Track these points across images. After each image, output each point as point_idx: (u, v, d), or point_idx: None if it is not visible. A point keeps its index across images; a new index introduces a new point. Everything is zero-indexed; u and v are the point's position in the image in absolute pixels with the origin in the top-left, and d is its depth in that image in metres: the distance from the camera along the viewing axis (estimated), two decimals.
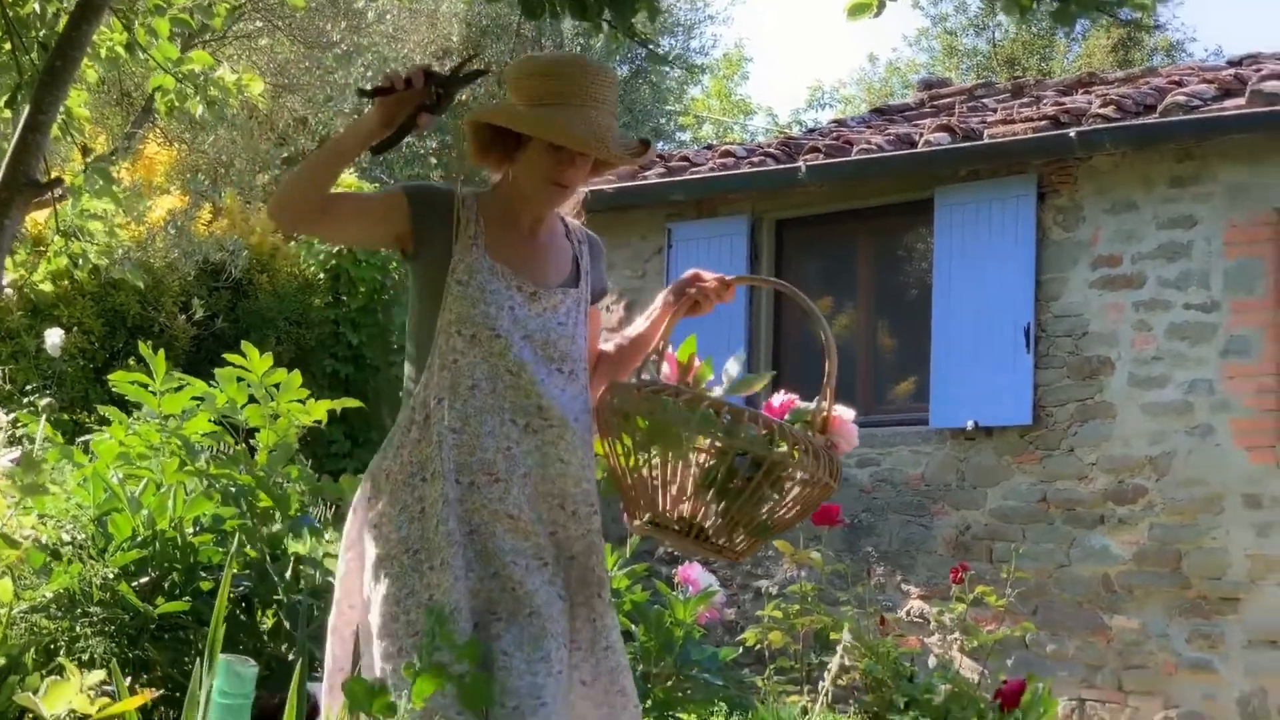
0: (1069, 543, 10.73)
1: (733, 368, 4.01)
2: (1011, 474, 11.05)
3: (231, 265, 12.99)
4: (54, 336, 6.79)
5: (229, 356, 5.28)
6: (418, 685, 2.74)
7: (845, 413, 3.88)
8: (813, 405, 3.80)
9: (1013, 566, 5.97)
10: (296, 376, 5.28)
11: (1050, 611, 10.67)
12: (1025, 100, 13.05)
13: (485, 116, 3.75)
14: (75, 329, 12.22)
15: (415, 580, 3.61)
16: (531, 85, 3.69)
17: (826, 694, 5.00)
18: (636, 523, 3.69)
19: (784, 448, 3.52)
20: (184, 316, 12.59)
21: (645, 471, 3.66)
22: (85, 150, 5.38)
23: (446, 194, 3.79)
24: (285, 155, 15.70)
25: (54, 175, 4.64)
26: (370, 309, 14.08)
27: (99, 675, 2.97)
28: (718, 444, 3.52)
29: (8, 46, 5.00)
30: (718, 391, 3.89)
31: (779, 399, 3.99)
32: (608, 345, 4.05)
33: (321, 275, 14.14)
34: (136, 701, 2.56)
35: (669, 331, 3.83)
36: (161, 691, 4.65)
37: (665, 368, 3.84)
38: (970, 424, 11.11)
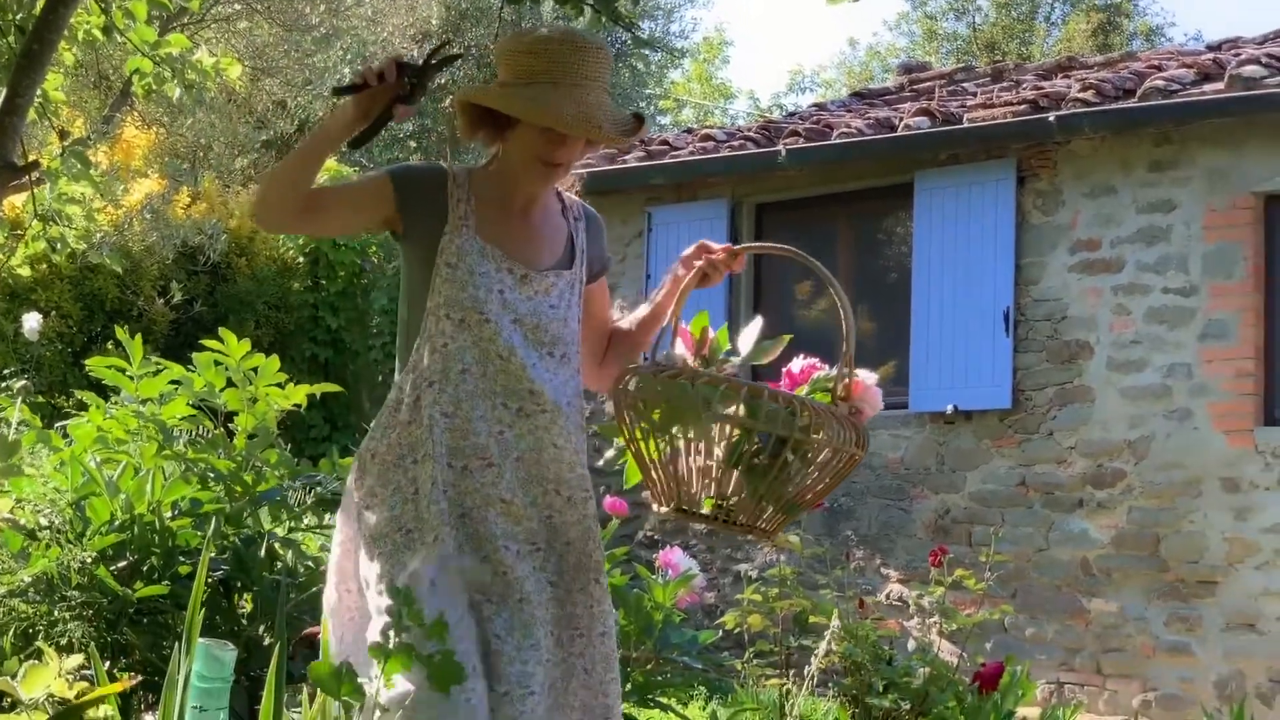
0: (1048, 526, 10.76)
1: (747, 336, 3.96)
2: (991, 458, 11.07)
3: (210, 249, 12.96)
4: (32, 321, 6.76)
5: (207, 341, 5.26)
6: (389, 665, 2.73)
7: (867, 377, 3.84)
8: (833, 371, 3.77)
9: (992, 550, 5.98)
10: (274, 361, 5.26)
11: (1029, 595, 10.70)
12: (1005, 84, 13.06)
13: (473, 96, 3.68)
14: (53, 313, 12.19)
15: (409, 558, 3.59)
16: (521, 62, 3.62)
17: (812, 678, 5.01)
18: (663, 509, 3.65)
19: (806, 420, 3.46)
20: (162, 300, 12.56)
21: (668, 456, 3.61)
22: (63, 134, 5.36)
23: (436, 173, 3.74)
24: (264, 139, 15.66)
25: (31, 159, 4.62)
26: (349, 293, 14.07)
27: (77, 660, 2.97)
28: (740, 425, 3.48)
29: None
30: (735, 361, 3.85)
31: (799, 364, 3.98)
32: (622, 322, 3.98)
33: (300, 259, 14.12)
34: (116, 688, 2.56)
35: (680, 305, 3.78)
36: (140, 676, 4.65)
37: (680, 344, 3.78)
38: (950, 408, 11.13)
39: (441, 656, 2.71)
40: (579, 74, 3.59)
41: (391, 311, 13.91)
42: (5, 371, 11.72)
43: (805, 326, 12.76)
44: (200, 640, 3.67)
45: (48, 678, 2.98)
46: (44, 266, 12.31)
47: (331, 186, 3.89)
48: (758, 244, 3.11)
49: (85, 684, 2.96)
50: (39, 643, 3.54)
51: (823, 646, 5.13)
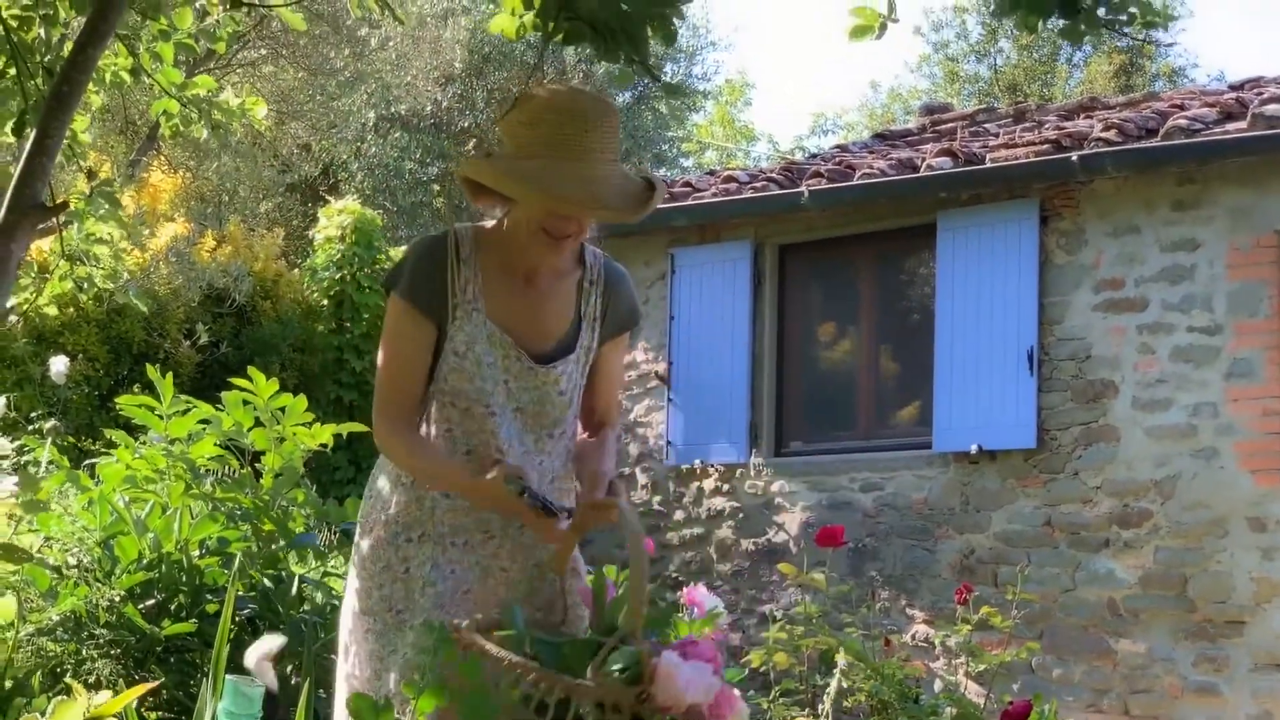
0: (1074, 566, 10.73)
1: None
2: (1016, 498, 11.04)
3: (235, 291, 13.01)
4: (59, 364, 6.79)
5: (235, 380, 5.29)
6: (422, 702, 2.74)
7: (676, 666, 3.10)
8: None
9: (1018, 587, 5.95)
10: (301, 400, 5.29)
11: (1056, 636, 10.66)
12: (1027, 125, 13.08)
13: (473, 173, 3.61)
14: (80, 356, 12.24)
15: (398, 639, 3.60)
16: (520, 134, 3.54)
17: (826, 715, 4.99)
18: None
19: None
20: (189, 343, 12.61)
21: None
22: (90, 174, 5.41)
23: (438, 258, 3.66)
24: (288, 182, 15.75)
25: (59, 200, 4.65)
26: (374, 335, 14.07)
27: (105, 696, 2.97)
28: None
29: (12, 72, 5.01)
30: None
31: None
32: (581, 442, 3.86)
33: (325, 301, 14.15)
34: (136, 692, 2.56)
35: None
36: (168, 715, 4.66)
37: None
38: (974, 448, 11.11)
39: (475, 695, 2.72)
40: (580, 146, 3.48)
41: None
42: (33, 415, 11.77)
43: (826, 371, 12.76)
44: (229, 677, 3.68)
45: (76, 714, 2.99)
46: (71, 310, 12.37)
47: (407, 380, 3.68)
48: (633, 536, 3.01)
49: (108, 691, 2.96)
50: (67, 679, 3.55)
51: (834, 681, 5.11)
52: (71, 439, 10.74)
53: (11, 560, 2.93)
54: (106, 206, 5.25)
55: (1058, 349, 10.96)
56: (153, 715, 4.66)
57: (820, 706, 5.05)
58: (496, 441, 3.63)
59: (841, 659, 5.04)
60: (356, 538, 3.75)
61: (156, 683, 3.03)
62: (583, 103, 3.56)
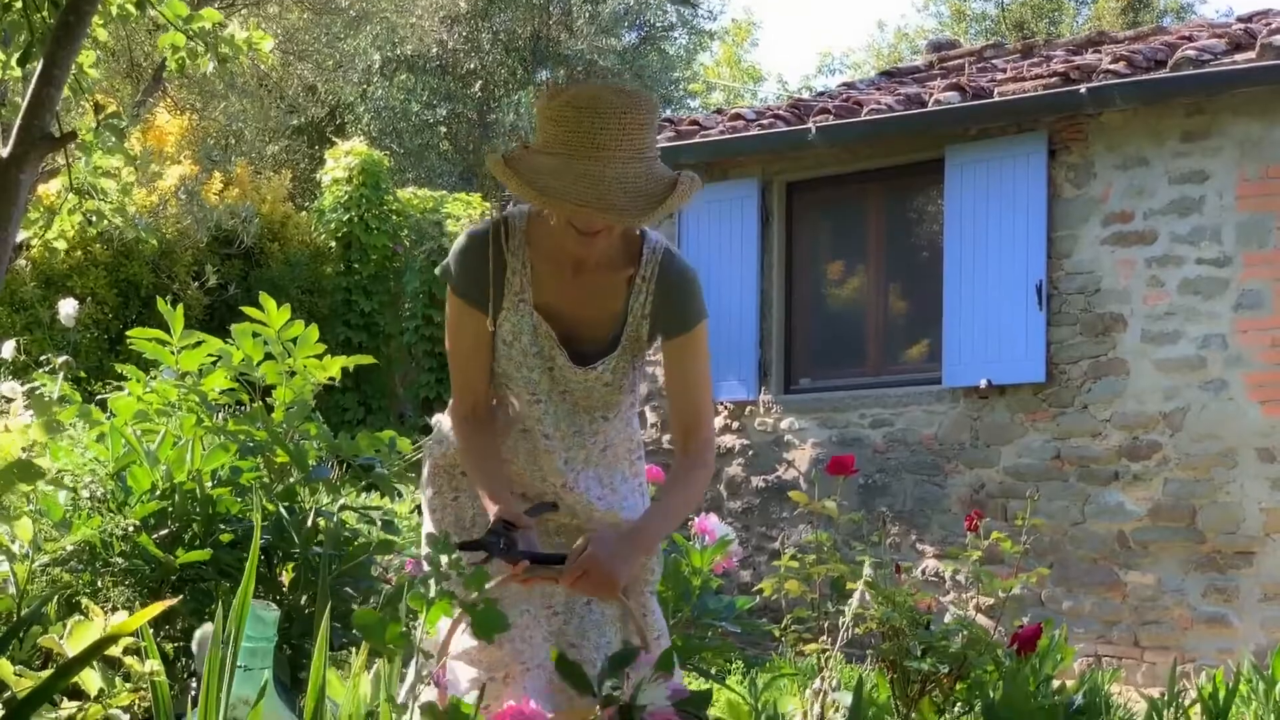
0: (1083, 500, 10.75)
1: None
2: (1025, 432, 11.06)
3: (243, 232, 13.01)
4: (68, 307, 6.79)
5: (247, 310, 5.29)
6: (431, 613, 2.76)
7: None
8: None
9: (1027, 513, 5.97)
10: (314, 330, 5.28)
11: (1065, 569, 10.69)
12: (1035, 60, 13.02)
13: (498, 174, 3.57)
14: (89, 299, 12.26)
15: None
16: (546, 130, 3.50)
17: (845, 633, 5.02)
18: None
19: None
20: (197, 284, 12.62)
21: None
22: (97, 108, 5.40)
23: (484, 250, 3.72)
24: (295, 123, 15.71)
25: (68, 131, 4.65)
26: (381, 276, 14.11)
27: (123, 616, 2.98)
28: None
29: (19, 4, 5.01)
30: None
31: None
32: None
33: (333, 243, 14.16)
34: (154, 610, 2.57)
35: None
36: (185, 645, 4.68)
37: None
38: (983, 382, 11.12)
39: (485, 607, 2.73)
40: (594, 144, 3.42)
41: (424, 294, 13.95)
42: (43, 358, 11.79)
43: (834, 308, 12.76)
44: None
45: (94, 633, 3.00)
46: (79, 254, 12.38)
47: (471, 370, 3.80)
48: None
49: (131, 638, 2.97)
50: (84, 601, 3.57)
51: (853, 600, 5.13)
52: (83, 373, 10.76)
53: (28, 480, 2.94)
54: (113, 139, 5.25)
55: (1066, 283, 10.95)
56: (169, 646, 4.68)
57: (840, 623, 5.07)
58: (542, 428, 3.74)
59: (860, 585, 5.06)
60: (424, 475, 3.94)
61: (176, 599, 3.05)
62: (607, 97, 3.48)
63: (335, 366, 5.48)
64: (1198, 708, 4.05)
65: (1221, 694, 3.86)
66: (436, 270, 5.12)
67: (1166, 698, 4.90)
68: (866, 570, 5.05)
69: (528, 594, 3.68)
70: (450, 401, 3.87)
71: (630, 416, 3.90)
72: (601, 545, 3.51)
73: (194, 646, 3.98)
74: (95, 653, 2.75)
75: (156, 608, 2.73)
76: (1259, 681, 4.63)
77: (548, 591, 3.72)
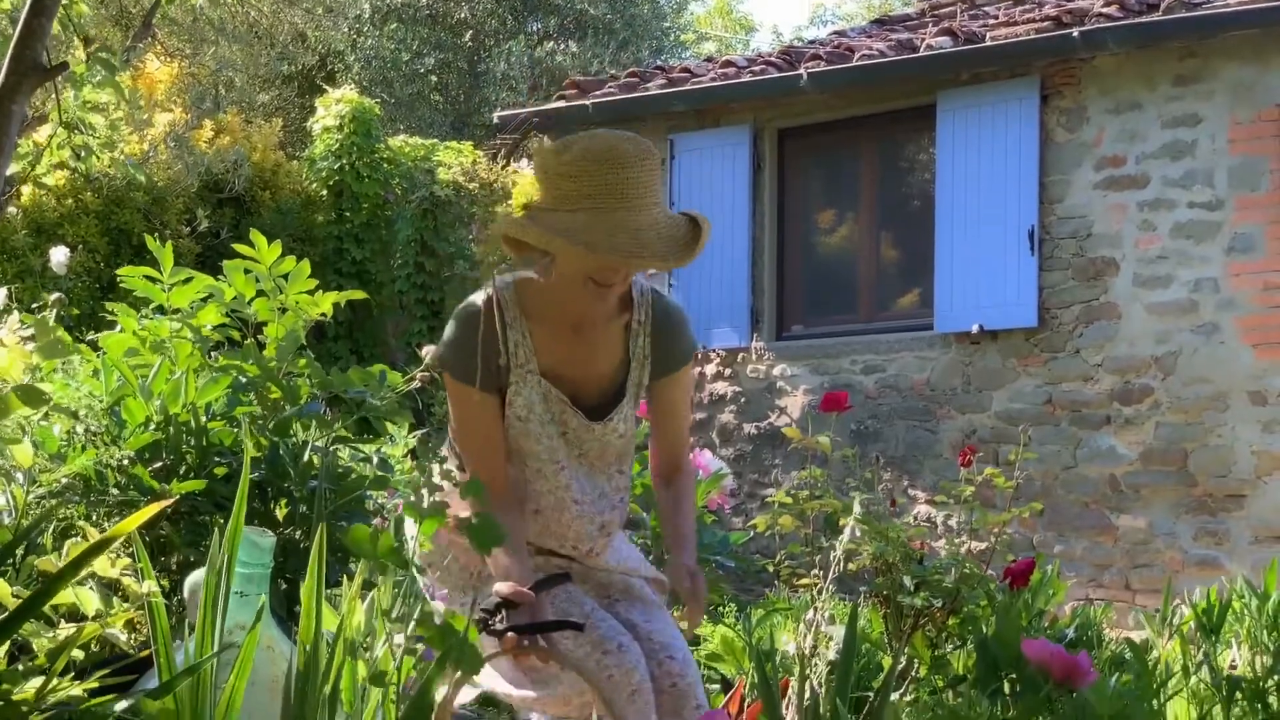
0: (1075, 444, 10.77)
1: None
2: (1017, 377, 11.07)
3: (234, 178, 12.97)
4: (59, 255, 6.78)
5: (238, 247, 5.28)
6: (424, 526, 2.76)
7: None
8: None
9: (1020, 449, 5.98)
10: (305, 266, 5.27)
11: (1057, 513, 10.72)
12: (1027, 4, 12.98)
13: (514, 232, 3.57)
14: (80, 247, 12.23)
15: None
16: (560, 187, 3.48)
17: (836, 570, 5.03)
18: None
19: None
20: (188, 230, 12.59)
21: None
22: (87, 41, 5.36)
23: (478, 329, 3.67)
24: (285, 71, 15.64)
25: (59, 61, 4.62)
26: (373, 225, 14.08)
27: (115, 526, 2.96)
28: None
29: None
30: None
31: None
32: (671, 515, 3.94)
33: (324, 192, 14.12)
34: (150, 511, 2.57)
35: None
36: (179, 578, 4.69)
37: None
38: (975, 328, 11.12)
39: (480, 519, 2.74)
40: (622, 194, 3.42)
41: (416, 242, 13.92)
42: (34, 306, 11.77)
43: (826, 255, 12.75)
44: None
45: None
46: (70, 202, 12.34)
47: (490, 450, 3.75)
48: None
49: (128, 560, 2.97)
50: (79, 524, 3.57)
51: (845, 533, 5.14)
52: (75, 311, 10.75)
53: (33, 404, 2.93)
54: (103, 73, 5.21)
55: (1059, 227, 10.95)
56: (165, 581, 4.69)
57: (832, 557, 5.08)
58: (571, 494, 3.74)
59: (851, 520, 5.07)
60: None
61: (172, 499, 3.05)
62: (622, 147, 3.49)
63: (327, 302, 5.47)
64: (1192, 623, 4.08)
65: (1215, 609, 3.89)
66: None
67: (1161, 614, 4.93)
68: (856, 507, 5.05)
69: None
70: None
71: (629, 469, 3.94)
72: (694, 577, 3.70)
73: (185, 593, 3.98)
74: (89, 558, 2.75)
75: (151, 510, 2.73)
76: (1252, 598, 4.66)
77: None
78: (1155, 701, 3.02)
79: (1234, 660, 2.97)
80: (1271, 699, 2.72)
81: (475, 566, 3.80)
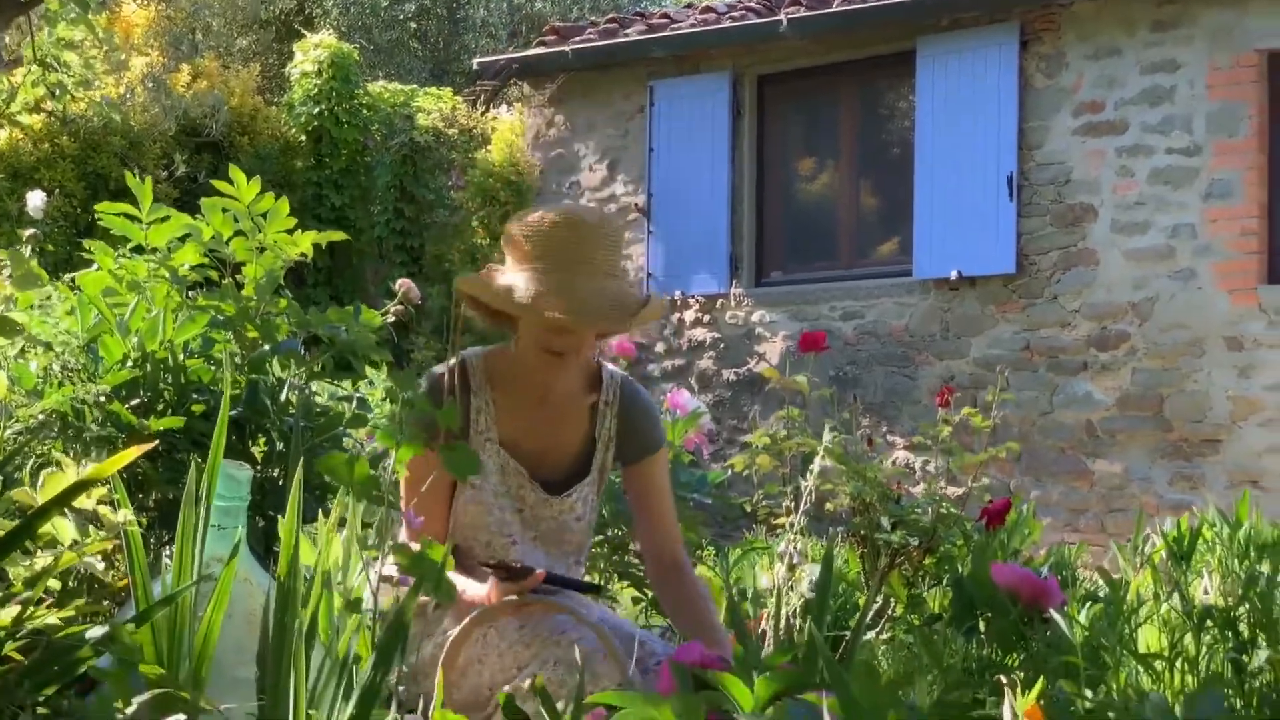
0: (1052, 390, 10.81)
1: None
2: (995, 323, 11.10)
3: (212, 123, 12.92)
4: (35, 199, 6.75)
5: (216, 183, 5.25)
6: (401, 452, 2.77)
7: None
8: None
9: (997, 390, 6.00)
10: (284, 204, 5.24)
11: (1033, 458, 10.77)
12: None
13: (471, 289, 3.57)
14: (57, 192, 12.17)
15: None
16: (518, 248, 3.51)
17: (809, 500, 5.05)
18: None
19: None
20: (166, 174, 12.54)
21: None
22: None
23: (443, 390, 3.61)
24: (263, 15, 15.56)
25: None
26: (352, 170, 14.04)
27: (95, 465, 2.97)
28: None
29: None
30: None
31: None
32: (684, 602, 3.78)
33: (303, 137, 14.07)
34: (132, 454, 2.58)
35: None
36: (157, 515, 4.69)
37: None
38: (954, 274, 11.15)
39: (458, 448, 2.75)
40: (575, 258, 3.45)
41: (395, 188, 13.89)
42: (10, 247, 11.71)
43: (805, 202, 12.74)
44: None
45: (67, 481, 2.99)
46: (47, 146, 12.28)
47: (435, 518, 3.71)
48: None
49: (104, 490, 2.97)
50: (56, 456, 3.57)
51: (816, 463, 5.15)
52: (51, 247, 10.72)
53: (7, 335, 2.93)
54: (77, 10, 5.18)
55: (1037, 174, 10.96)
56: (143, 518, 4.69)
57: (804, 488, 5.09)
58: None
59: (822, 448, 5.08)
60: None
61: (150, 444, 3.04)
62: (580, 214, 3.54)
63: (306, 242, 5.45)
64: (1163, 554, 4.11)
65: (1186, 538, 3.93)
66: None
67: (1133, 543, 4.96)
68: (827, 434, 5.07)
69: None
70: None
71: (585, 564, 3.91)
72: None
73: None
74: (69, 497, 2.76)
75: (131, 453, 2.73)
76: (1223, 526, 4.69)
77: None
78: (1127, 629, 3.05)
79: (1205, 589, 3.00)
80: (1242, 626, 2.74)
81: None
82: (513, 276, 3.50)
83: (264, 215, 5.31)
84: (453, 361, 3.65)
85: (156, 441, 3.99)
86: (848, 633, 4.57)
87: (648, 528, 3.84)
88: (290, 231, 5.37)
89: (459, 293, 3.62)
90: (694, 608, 3.72)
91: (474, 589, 3.59)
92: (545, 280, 3.44)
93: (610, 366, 3.87)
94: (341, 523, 3.94)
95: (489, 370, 3.75)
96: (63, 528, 3.03)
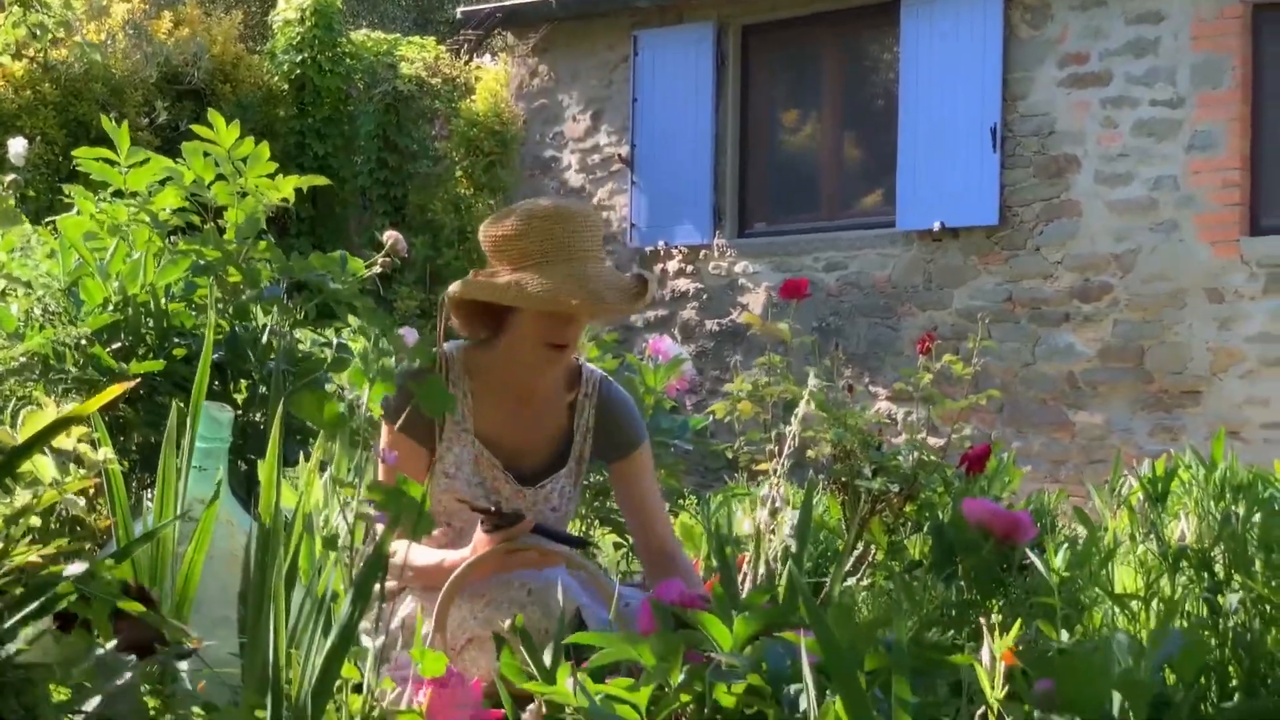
0: (1034, 341, 10.83)
1: None
2: (978, 274, 11.11)
3: (194, 70, 12.86)
4: (17, 146, 6.72)
5: (196, 128, 5.23)
6: (374, 390, 2.78)
7: None
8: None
9: (978, 338, 6.02)
10: (265, 148, 5.23)
11: (1015, 409, 10.80)
12: None
13: (469, 293, 3.58)
14: (38, 139, 12.11)
15: None
16: (509, 247, 3.55)
17: (791, 444, 5.06)
18: None
19: None
20: (147, 121, 12.48)
21: None
22: None
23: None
24: None
25: None
26: (335, 119, 13.98)
27: (75, 405, 2.97)
28: None
29: None
30: None
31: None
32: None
33: (285, 86, 14.00)
34: (114, 392, 2.58)
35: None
36: (138, 457, 4.69)
37: None
38: (937, 225, 11.15)
39: (432, 383, 2.75)
40: (571, 248, 3.51)
41: (379, 137, 13.85)
42: None
43: (789, 153, 12.73)
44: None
45: (46, 419, 2.99)
46: (28, 93, 12.21)
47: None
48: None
49: (85, 429, 2.97)
50: (35, 394, 3.58)
51: (800, 408, 5.17)
52: (33, 193, 10.68)
53: None
54: None
55: (1021, 125, 10.95)
56: (125, 461, 4.69)
57: (788, 433, 5.11)
58: None
59: (806, 393, 5.10)
60: None
61: (134, 380, 3.05)
62: (563, 204, 3.60)
63: (287, 187, 5.44)
64: (1140, 496, 4.14)
65: (1162, 479, 3.96)
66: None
67: (1110, 484, 4.99)
68: (812, 379, 5.08)
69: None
70: None
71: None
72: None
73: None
74: (50, 434, 2.76)
75: (113, 390, 2.73)
76: (1199, 467, 4.71)
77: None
78: (1103, 572, 3.07)
79: (1182, 532, 3.03)
80: (1217, 567, 2.77)
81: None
82: (515, 275, 3.51)
83: (245, 160, 5.29)
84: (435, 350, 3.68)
85: (139, 379, 3.99)
86: (828, 579, 4.59)
87: (638, 526, 3.88)
88: (272, 176, 5.36)
89: (451, 300, 3.62)
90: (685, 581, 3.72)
91: (455, 555, 3.60)
92: (554, 271, 3.47)
93: (589, 365, 3.91)
94: (323, 466, 3.95)
95: (468, 363, 3.77)
96: (43, 466, 3.03)
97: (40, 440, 2.77)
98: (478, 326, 3.69)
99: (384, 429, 3.74)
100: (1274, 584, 2.60)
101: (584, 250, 3.53)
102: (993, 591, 3.67)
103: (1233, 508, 3.48)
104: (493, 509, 3.52)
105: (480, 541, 3.53)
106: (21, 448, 2.79)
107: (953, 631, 3.53)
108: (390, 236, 5.15)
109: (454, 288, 3.63)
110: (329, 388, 5.28)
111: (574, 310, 3.51)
